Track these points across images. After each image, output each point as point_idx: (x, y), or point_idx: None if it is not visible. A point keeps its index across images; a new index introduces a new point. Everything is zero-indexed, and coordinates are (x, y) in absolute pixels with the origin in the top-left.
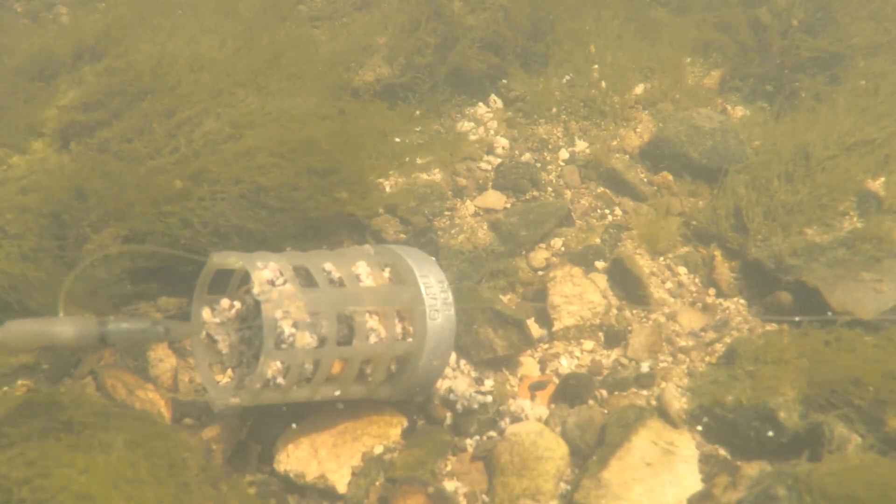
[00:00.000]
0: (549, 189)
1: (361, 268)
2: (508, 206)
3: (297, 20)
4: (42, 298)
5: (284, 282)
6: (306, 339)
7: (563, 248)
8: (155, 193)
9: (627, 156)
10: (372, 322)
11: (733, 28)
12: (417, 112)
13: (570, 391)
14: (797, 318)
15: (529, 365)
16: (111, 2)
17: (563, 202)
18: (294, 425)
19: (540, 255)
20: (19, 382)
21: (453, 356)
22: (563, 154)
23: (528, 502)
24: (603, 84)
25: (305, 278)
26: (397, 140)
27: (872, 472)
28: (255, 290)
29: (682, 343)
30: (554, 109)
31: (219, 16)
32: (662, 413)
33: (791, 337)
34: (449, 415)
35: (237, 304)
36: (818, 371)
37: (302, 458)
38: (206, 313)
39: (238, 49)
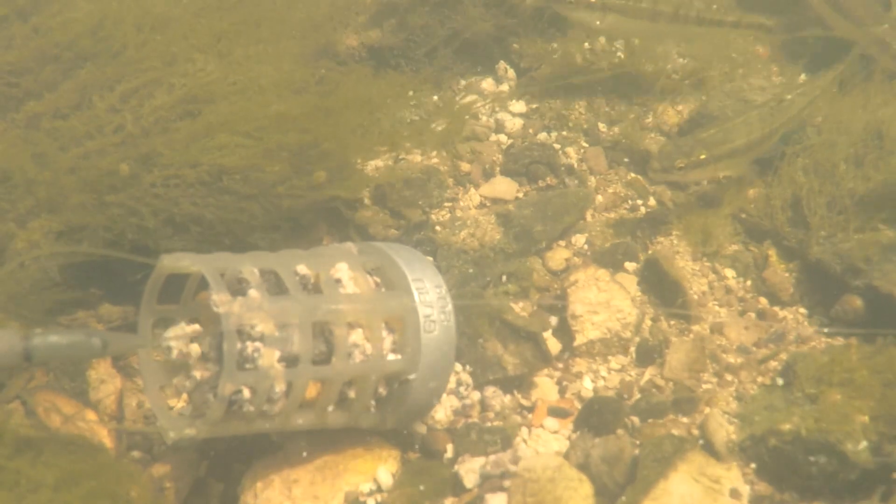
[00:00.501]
0: (570, 175)
1: (342, 271)
2: (521, 195)
3: None
4: None
5: (249, 288)
6: (275, 358)
7: (586, 247)
8: (95, 180)
9: (664, 136)
10: (355, 336)
11: None
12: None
13: (595, 418)
14: (869, 331)
15: (546, 386)
16: None
17: (587, 191)
18: (263, 459)
19: (559, 255)
20: None
21: (453, 377)
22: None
23: None
24: (636, 41)
25: (274, 284)
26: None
27: None
28: (214, 299)
29: (730, 360)
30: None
31: None
32: (706, 444)
33: (861, 353)
34: (450, 446)
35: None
36: (894, 395)
37: (273, 498)
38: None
39: (198, 8)
